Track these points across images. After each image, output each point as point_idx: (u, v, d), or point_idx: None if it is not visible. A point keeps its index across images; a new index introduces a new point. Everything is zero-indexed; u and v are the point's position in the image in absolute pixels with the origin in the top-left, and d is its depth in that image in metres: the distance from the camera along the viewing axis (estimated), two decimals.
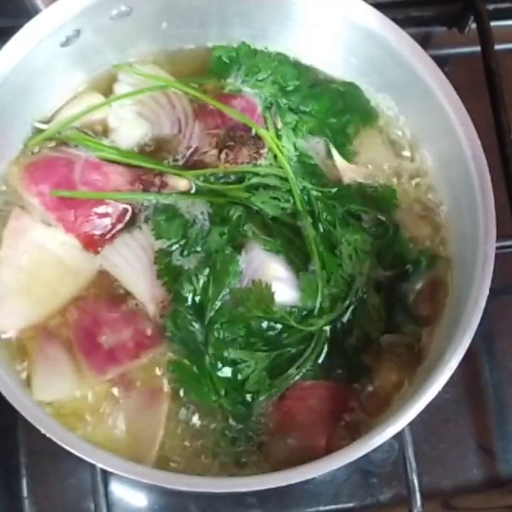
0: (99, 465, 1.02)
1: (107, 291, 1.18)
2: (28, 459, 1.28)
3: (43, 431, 1.01)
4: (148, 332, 1.15)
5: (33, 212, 1.19)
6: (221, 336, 1.13)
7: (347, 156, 1.27)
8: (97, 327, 1.14)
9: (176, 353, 1.14)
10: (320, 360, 1.15)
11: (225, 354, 1.12)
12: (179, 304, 1.13)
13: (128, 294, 1.17)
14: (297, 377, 1.14)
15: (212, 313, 1.13)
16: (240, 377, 1.12)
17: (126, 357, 1.14)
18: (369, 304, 1.18)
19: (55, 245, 1.18)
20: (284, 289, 1.15)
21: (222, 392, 1.12)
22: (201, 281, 1.14)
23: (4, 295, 1.15)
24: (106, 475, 1.21)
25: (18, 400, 1.03)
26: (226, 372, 1.13)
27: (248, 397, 1.13)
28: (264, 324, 1.14)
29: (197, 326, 1.13)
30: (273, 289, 1.13)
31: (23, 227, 1.17)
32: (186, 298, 1.13)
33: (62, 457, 1.26)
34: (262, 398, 1.13)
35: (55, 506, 1.28)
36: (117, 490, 1.29)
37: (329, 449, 1.09)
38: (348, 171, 1.26)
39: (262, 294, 1.13)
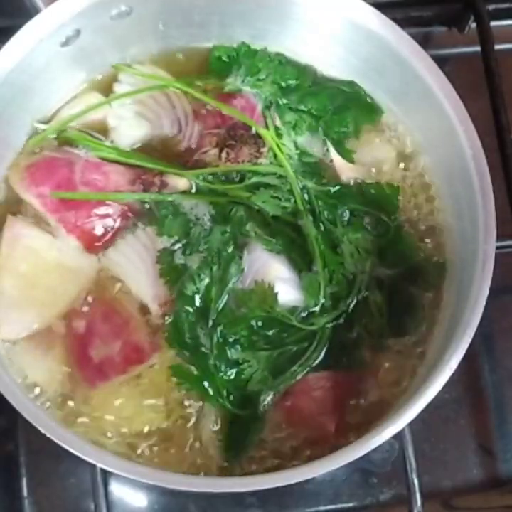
0: (99, 465, 1.02)
1: (107, 292, 1.18)
2: (28, 459, 1.28)
3: (42, 431, 1.01)
4: (138, 345, 1.14)
5: (28, 214, 1.19)
6: (223, 337, 1.13)
7: (346, 155, 1.27)
8: (90, 338, 1.14)
9: (177, 356, 1.14)
10: (322, 358, 1.16)
11: (228, 354, 1.13)
12: (182, 303, 1.13)
13: (127, 294, 1.18)
14: (300, 376, 1.14)
15: (215, 315, 1.13)
16: (242, 377, 1.12)
17: (114, 372, 1.13)
18: (371, 302, 1.18)
19: (52, 249, 1.17)
20: (287, 289, 1.15)
21: (225, 393, 1.12)
22: (204, 281, 1.14)
23: (7, 305, 1.15)
24: (106, 475, 1.21)
25: (18, 400, 1.03)
26: (229, 372, 1.13)
27: (252, 396, 1.13)
28: (266, 323, 1.14)
29: (200, 326, 1.13)
30: (275, 290, 1.13)
31: (17, 235, 1.17)
32: (190, 297, 1.13)
33: (62, 457, 1.26)
34: (265, 397, 1.13)
35: (55, 506, 1.28)
36: (117, 490, 1.29)
37: (338, 436, 1.11)
38: (346, 170, 1.26)
39: (265, 294, 1.13)
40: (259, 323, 1.14)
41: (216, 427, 1.14)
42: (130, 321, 1.15)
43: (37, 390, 1.13)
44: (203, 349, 1.13)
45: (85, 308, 1.16)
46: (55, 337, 1.16)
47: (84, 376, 1.14)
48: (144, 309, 1.17)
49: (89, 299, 1.17)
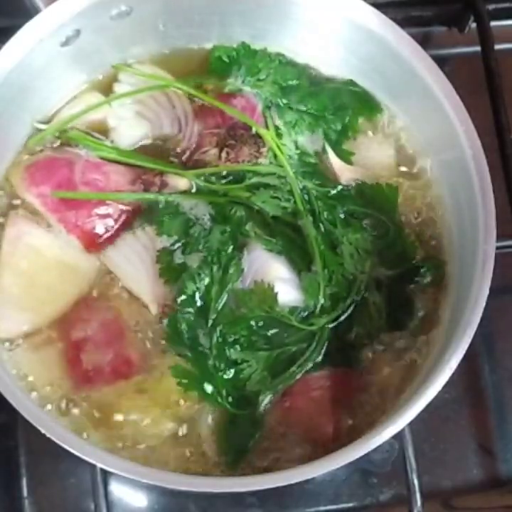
0: (99, 465, 1.02)
1: (110, 298, 1.18)
2: (28, 459, 1.28)
3: (43, 431, 1.00)
4: (129, 359, 1.14)
5: (29, 214, 1.19)
6: (223, 337, 1.13)
7: (344, 156, 1.27)
8: (84, 342, 1.14)
9: (177, 357, 1.14)
10: (321, 358, 1.16)
11: (228, 354, 1.13)
12: (182, 303, 1.13)
13: (130, 302, 1.17)
14: (299, 376, 1.14)
15: (215, 315, 1.13)
16: (241, 376, 1.12)
17: (100, 380, 1.13)
18: (370, 302, 1.18)
19: (53, 248, 1.17)
20: (286, 289, 1.15)
21: (224, 393, 1.12)
22: (204, 281, 1.14)
23: (6, 301, 1.15)
24: (106, 475, 1.21)
25: (18, 400, 1.03)
26: (228, 372, 1.13)
27: (251, 396, 1.13)
28: (266, 323, 1.14)
29: (200, 326, 1.13)
30: (275, 290, 1.13)
31: (20, 233, 1.17)
32: (190, 297, 1.13)
33: (62, 457, 1.26)
34: (264, 397, 1.13)
35: (55, 506, 1.28)
36: (117, 490, 1.29)
37: (337, 436, 1.11)
38: (345, 172, 1.26)
39: (265, 294, 1.13)
40: (259, 323, 1.14)
41: (215, 428, 1.13)
42: (126, 333, 1.15)
43: (35, 389, 1.13)
44: (202, 349, 1.13)
45: (86, 311, 1.16)
46: (54, 336, 1.15)
47: (71, 377, 1.13)
48: (144, 317, 1.17)
49: (91, 302, 1.17)
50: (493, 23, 1.45)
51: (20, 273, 1.16)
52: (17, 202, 1.20)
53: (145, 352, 1.15)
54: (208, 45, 1.32)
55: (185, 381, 1.12)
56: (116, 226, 1.20)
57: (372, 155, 1.29)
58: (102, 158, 1.22)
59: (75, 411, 1.13)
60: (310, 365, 1.15)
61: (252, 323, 1.14)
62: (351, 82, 1.30)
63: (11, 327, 1.15)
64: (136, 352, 1.15)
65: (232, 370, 1.13)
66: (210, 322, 1.13)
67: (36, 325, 1.15)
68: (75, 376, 1.14)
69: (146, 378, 1.14)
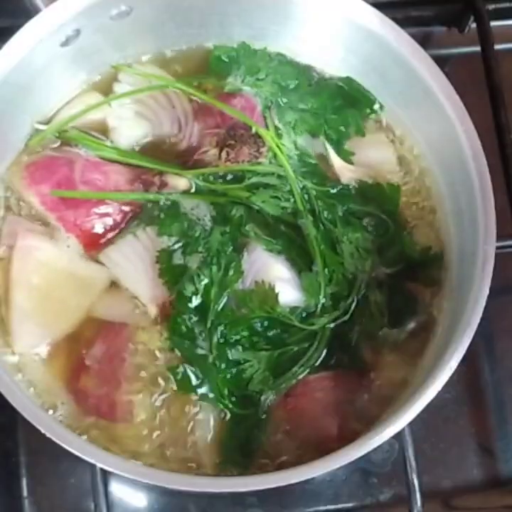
0: (99, 465, 1.02)
1: (134, 337, 1.16)
2: (28, 459, 1.28)
3: (42, 431, 1.00)
4: (115, 404, 1.12)
5: (29, 214, 1.19)
6: (224, 337, 1.13)
7: (345, 156, 1.27)
8: (90, 364, 1.14)
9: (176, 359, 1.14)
10: (322, 358, 1.16)
11: (228, 355, 1.13)
12: (182, 304, 1.13)
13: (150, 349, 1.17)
14: (301, 376, 1.14)
15: (214, 316, 1.13)
16: (244, 376, 1.12)
17: (80, 404, 1.12)
18: (371, 301, 1.18)
19: (63, 261, 1.17)
20: (287, 289, 1.15)
21: (226, 392, 1.12)
22: (203, 282, 1.14)
23: (20, 317, 1.14)
24: (106, 475, 1.21)
25: (18, 400, 1.03)
26: (230, 372, 1.13)
27: (253, 397, 1.13)
28: (267, 324, 1.14)
29: (199, 327, 1.13)
30: (276, 290, 1.13)
31: (30, 248, 1.16)
32: (189, 298, 1.13)
33: (62, 457, 1.26)
34: (266, 397, 1.13)
35: (55, 506, 1.28)
36: (117, 490, 1.29)
37: (342, 437, 1.10)
38: (346, 171, 1.26)
39: (266, 294, 1.13)
40: (260, 324, 1.14)
41: (216, 429, 1.13)
42: (127, 381, 1.13)
43: (35, 390, 1.14)
44: (202, 350, 1.13)
45: (99, 335, 1.16)
46: (63, 345, 1.16)
47: (69, 387, 1.14)
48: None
49: (116, 333, 1.16)
50: (493, 23, 1.45)
51: (33, 289, 1.15)
52: (17, 201, 1.20)
53: (134, 400, 1.13)
54: (208, 45, 1.32)
55: (185, 383, 1.12)
56: (115, 226, 1.20)
57: (373, 154, 1.29)
58: (102, 158, 1.22)
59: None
60: (312, 365, 1.15)
61: (254, 323, 1.14)
62: (351, 82, 1.30)
63: (26, 343, 1.14)
64: (127, 402, 1.13)
65: (234, 370, 1.13)
66: (210, 323, 1.13)
67: (52, 340, 1.15)
68: (73, 389, 1.13)
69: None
